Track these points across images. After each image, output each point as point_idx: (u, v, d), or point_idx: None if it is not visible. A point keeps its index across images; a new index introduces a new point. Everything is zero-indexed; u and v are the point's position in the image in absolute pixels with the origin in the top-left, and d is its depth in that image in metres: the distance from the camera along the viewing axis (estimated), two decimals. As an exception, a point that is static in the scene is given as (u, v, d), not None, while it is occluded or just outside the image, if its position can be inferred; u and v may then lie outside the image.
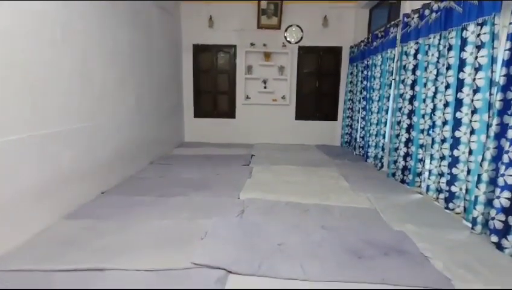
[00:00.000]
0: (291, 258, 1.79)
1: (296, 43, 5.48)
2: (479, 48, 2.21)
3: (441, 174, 2.66)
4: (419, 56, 3.15)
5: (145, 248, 1.88)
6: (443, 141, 2.64)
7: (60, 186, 2.31)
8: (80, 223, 2.23)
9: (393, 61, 3.74)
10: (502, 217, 1.91)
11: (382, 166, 3.99)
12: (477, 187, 2.08)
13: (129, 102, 3.49)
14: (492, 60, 2.11)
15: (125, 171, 3.38)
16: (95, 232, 2.08)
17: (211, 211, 2.45)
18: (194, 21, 5.42)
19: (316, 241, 1.99)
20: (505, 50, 1.93)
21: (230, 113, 5.76)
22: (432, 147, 2.85)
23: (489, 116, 2.12)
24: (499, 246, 1.91)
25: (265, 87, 5.62)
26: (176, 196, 2.78)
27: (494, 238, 1.94)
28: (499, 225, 1.92)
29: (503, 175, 1.88)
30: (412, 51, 3.23)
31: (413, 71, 3.24)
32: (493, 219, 1.94)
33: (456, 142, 2.46)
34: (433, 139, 2.84)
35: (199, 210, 2.48)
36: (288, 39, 5.47)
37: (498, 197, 1.91)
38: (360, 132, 4.82)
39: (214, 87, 5.72)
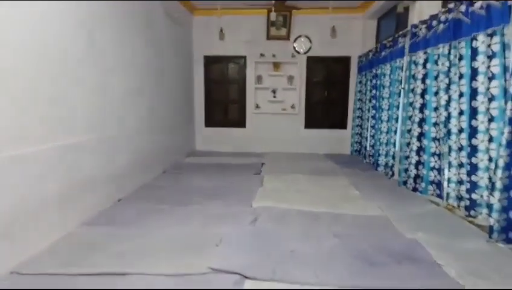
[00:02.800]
0: (304, 265, 1.83)
1: (305, 53, 5.58)
2: (490, 57, 2.24)
3: (460, 182, 2.66)
4: (428, 65, 3.19)
5: (163, 254, 1.94)
6: (460, 149, 2.65)
7: (80, 194, 2.41)
8: (99, 229, 2.31)
9: (402, 71, 3.78)
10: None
11: (393, 174, 4.00)
12: (491, 195, 2.08)
13: (143, 113, 3.62)
14: (505, 69, 2.14)
15: (140, 179, 3.48)
16: (114, 238, 2.16)
17: (224, 219, 2.50)
18: (205, 33, 5.58)
19: (328, 248, 2.02)
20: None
21: (240, 122, 5.85)
22: (449, 155, 2.84)
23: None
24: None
25: (274, 97, 5.72)
26: (190, 205, 2.84)
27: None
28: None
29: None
30: (421, 61, 3.27)
31: (423, 80, 3.27)
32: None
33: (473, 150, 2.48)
34: (450, 147, 2.84)
35: (213, 218, 2.53)
36: (297, 49, 5.58)
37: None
38: (370, 141, 4.84)
39: (224, 97, 5.84)
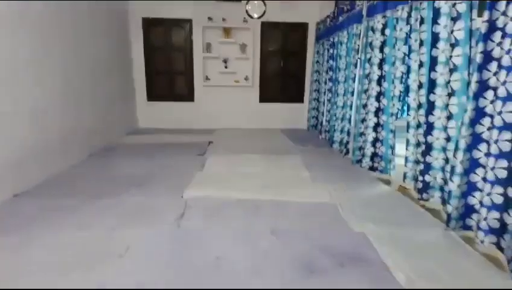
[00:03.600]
0: (229, 276, 1.45)
1: (259, 18, 4.99)
2: (454, 20, 1.90)
3: (417, 162, 2.40)
4: (386, 31, 2.83)
5: (44, 273, 1.45)
6: (418, 126, 2.37)
7: None
8: (-31, 239, 1.74)
9: (359, 38, 3.41)
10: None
11: (347, 152, 3.75)
12: (450, 180, 1.82)
13: (51, 84, 2.89)
14: (471, 34, 1.82)
15: (51, 167, 2.84)
16: (-15, 253, 1.61)
17: (143, 217, 2.04)
18: (141, -11, 4.73)
19: (262, 251, 1.66)
20: (483, 22, 1.63)
21: (188, 96, 5.24)
22: (407, 132, 2.57)
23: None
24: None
25: (226, 67, 5.14)
26: (105, 198, 2.32)
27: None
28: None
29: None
30: (379, 26, 2.90)
31: (381, 49, 2.93)
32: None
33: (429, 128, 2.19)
34: (408, 123, 2.56)
35: (129, 216, 2.05)
36: (250, 13, 4.96)
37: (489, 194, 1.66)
38: (326, 116, 4.54)
39: (169, 67, 5.13)
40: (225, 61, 5.10)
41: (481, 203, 1.70)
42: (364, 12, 3.24)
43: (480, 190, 1.75)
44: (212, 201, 2.30)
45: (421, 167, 2.30)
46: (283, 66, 5.28)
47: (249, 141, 4.39)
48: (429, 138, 2.20)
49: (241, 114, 5.37)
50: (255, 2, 4.92)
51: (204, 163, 3.27)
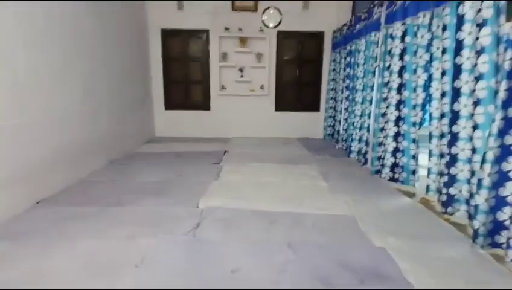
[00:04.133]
0: (244, 292, 1.41)
1: (275, 27, 5.02)
2: (480, 26, 1.82)
3: (440, 174, 2.30)
4: (407, 39, 2.76)
5: (61, 281, 1.47)
6: (442, 136, 2.27)
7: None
8: (-6, 245, 1.79)
9: (377, 46, 3.35)
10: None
11: (366, 162, 3.65)
12: (477, 193, 1.72)
13: (75, 96, 2.99)
14: (498, 40, 1.74)
15: (73, 174, 2.92)
16: (8, 258, 1.65)
17: (159, 226, 2.04)
18: (161, 2, 4.87)
19: (279, 265, 1.61)
20: None
21: (204, 105, 5.30)
22: (430, 142, 2.47)
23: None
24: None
25: (242, 76, 5.17)
26: (123, 206, 2.35)
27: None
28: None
29: None
30: (399, 33, 2.84)
31: (401, 56, 2.86)
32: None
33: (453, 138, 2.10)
34: (430, 133, 2.48)
35: (146, 224, 2.06)
36: (266, 23, 5.00)
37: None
38: (343, 124, 4.46)
39: (186, 76, 5.22)
40: (241, 70, 5.14)
41: (511, 219, 1.60)
42: (382, 20, 3.19)
43: (511, 205, 1.65)
44: (228, 211, 2.28)
45: (445, 179, 2.19)
46: (299, 75, 5.27)
47: (265, 150, 4.36)
48: (453, 149, 2.10)
49: (256, 123, 5.37)
50: (271, 11, 4.96)
51: (220, 172, 3.26)
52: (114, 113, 3.82)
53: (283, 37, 5.08)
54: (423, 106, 2.60)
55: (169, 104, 5.31)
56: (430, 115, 2.38)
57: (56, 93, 2.72)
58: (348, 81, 4.22)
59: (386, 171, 3.09)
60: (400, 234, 1.95)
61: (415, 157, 2.78)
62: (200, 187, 2.75)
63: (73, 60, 2.97)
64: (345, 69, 4.34)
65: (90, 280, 1.49)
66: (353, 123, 3.99)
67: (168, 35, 5.04)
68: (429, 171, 2.44)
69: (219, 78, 5.18)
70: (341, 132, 4.57)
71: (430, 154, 2.42)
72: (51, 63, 2.64)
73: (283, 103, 5.35)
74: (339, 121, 4.65)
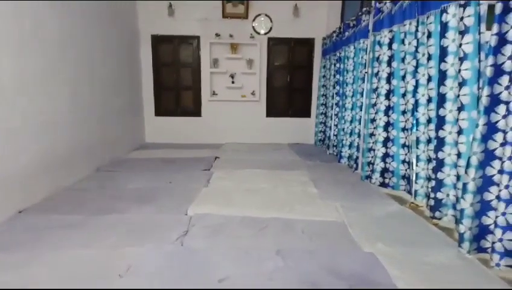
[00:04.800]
0: (231, 302, 1.38)
1: (266, 34, 5.05)
2: (462, 33, 1.86)
3: (428, 179, 2.32)
4: (394, 46, 2.81)
5: (41, 294, 1.42)
6: (428, 141, 2.30)
7: None
8: (-29, 256, 1.72)
9: (366, 53, 3.39)
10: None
11: (357, 168, 3.67)
12: (462, 198, 1.74)
13: (60, 100, 2.94)
14: (479, 47, 1.78)
15: (58, 182, 2.85)
16: (-12, 269, 1.59)
17: (146, 234, 2.00)
18: (151, 9, 4.87)
19: (267, 273, 1.59)
20: (492, 35, 1.60)
21: (195, 111, 5.28)
22: (417, 147, 2.51)
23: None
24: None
25: (233, 82, 5.18)
26: (109, 214, 2.30)
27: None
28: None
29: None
30: (386, 40, 2.89)
31: (388, 63, 2.90)
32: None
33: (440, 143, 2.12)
34: (417, 138, 2.51)
35: (132, 233, 2.02)
36: (256, 30, 5.04)
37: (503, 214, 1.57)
38: (334, 130, 4.49)
39: (176, 82, 5.21)
40: (232, 76, 5.15)
41: (495, 223, 1.61)
42: (370, 27, 3.24)
43: (495, 209, 1.66)
44: (217, 218, 2.25)
45: (433, 183, 2.22)
46: (290, 81, 5.30)
47: (256, 156, 4.35)
48: (440, 154, 2.13)
49: (248, 129, 5.37)
50: (262, 18, 5.00)
51: (210, 178, 3.23)
52: (103, 120, 3.77)
53: (274, 43, 5.12)
54: (413, 111, 2.63)
55: (160, 110, 5.27)
56: (417, 120, 2.41)
57: (41, 99, 2.67)
58: (338, 87, 4.26)
59: (376, 176, 3.11)
60: (389, 239, 1.95)
61: (404, 162, 2.81)
62: (190, 194, 2.72)
63: (60, 66, 2.92)
64: (334, 76, 4.38)
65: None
66: (343, 129, 4.01)
67: (159, 42, 5.03)
68: (417, 176, 2.46)
69: (210, 84, 5.17)
70: (332, 137, 4.59)
71: (418, 159, 2.44)
72: (37, 69, 2.60)
73: (274, 109, 5.36)
74: (330, 127, 4.68)
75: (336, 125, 4.36)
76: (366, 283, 1.52)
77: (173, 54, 5.10)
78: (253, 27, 5.02)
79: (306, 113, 5.41)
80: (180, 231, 2.04)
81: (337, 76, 4.25)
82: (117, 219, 2.22)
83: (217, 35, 4.97)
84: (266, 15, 4.99)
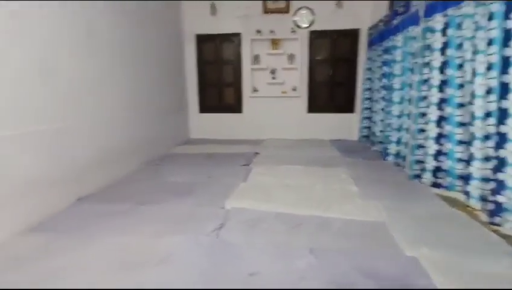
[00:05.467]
0: (260, 297, 1.39)
1: (307, 27, 4.92)
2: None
3: (486, 180, 2.07)
4: (449, 31, 2.54)
5: (88, 275, 1.56)
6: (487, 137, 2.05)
7: (18, 196, 2.06)
8: (39, 237, 1.97)
9: (416, 41, 3.12)
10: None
11: (404, 166, 3.41)
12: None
13: (114, 100, 3.21)
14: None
15: (111, 173, 3.12)
16: (49, 250, 1.81)
17: (184, 225, 2.10)
18: (195, 9, 5.05)
19: (299, 271, 1.56)
20: None
21: (236, 108, 5.37)
22: (472, 145, 2.25)
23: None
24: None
25: (274, 78, 5.15)
26: (152, 204, 2.46)
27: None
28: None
29: None
30: (439, 26, 2.62)
31: (442, 51, 2.63)
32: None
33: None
34: (473, 134, 2.25)
35: (172, 223, 2.13)
36: (298, 24, 4.93)
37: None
38: (379, 126, 4.23)
39: (219, 80, 5.34)
40: (273, 72, 5.13)
41: None
42: (421, 13, 2.97)
43: None
44: (253, 213, 2.27)
45: (492, 185, 1.96)
46: (332, 75, 5.11)
47: (296, 152, 4.29)
48: (502, 152, 1.87)
49: (288, 125, 5.31)
50: (303, 12, 4.88)
51: (249, 174, 3.27)
52: (150, 117, 4.03)
53: (316, 36, 4.97)
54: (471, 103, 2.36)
55: (204, 107, 5.46)
56: (473, 114, 2.15)
57: (96, 99, 2.94)
58: (384, 80, 4.00)
59: (427, 175, 2.86)
60: (437, 244, 1.78)
61: (461, 160, 2.53)
62: (228, 188, 2.78)
63: (113, 68, 3.19)
64: (381, 67, 4.12)
65: (115, 273, 1.56)
66: (390, 124, 3.76)
67: (202, 40, 5.20)
68: (471, 176, 2.20)
69: (251, 81, 5.21)
70: (377, 133, 4.33)
71: (472, 158, 2.18)
72: (96, 71, 2.87)
73: (316, 104, 5.22)
74: (375, 122, 4.42)
75: (382, 121, 4.10)
76: (403, 287, 1.41)
77: (216, 52, 5.24)
78: (294, 21, 4.93)
79: (349, 108, 5.18)
80: (216, 224, 2.10)
81: (384, 68, 3.98)
82: (159, 210, 2.36)
83: (258, 31, 4.98)
84: (308, 8, 4.86)
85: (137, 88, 3.68)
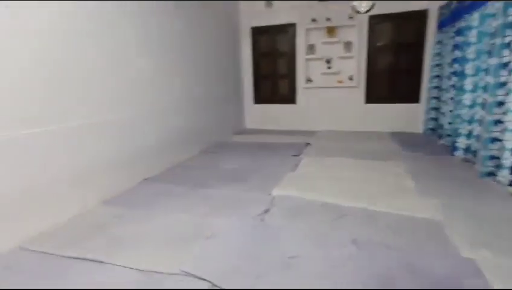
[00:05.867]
0: (297, 277, 1.44)
1: (366, 12, 4.62)
2: None
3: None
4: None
5: (151, 244, 1.80)
6: None
7: (97, 173, 2.45)
8: (112, 209, 2.32)
9: (496, 18, 2.72)
10: None
11: (475, 162, 3.05)
12: None
13: (175, 92, 3.52)
14: None
15: (172, 158, 3.46)
16: (120, 220, 2.13)
17: (233, 208, 2.24)
18: (251, 3, 5.15)
19: (337, 259, 1.56)
20: None
21: (290, 98, 5.36)
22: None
23: None
24: None
25: (329, 68, 5.00)
26: (207, 188, 2.67)
27: None
28: None
29: None
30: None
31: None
32: None
33: None
34: None
35: (222, 205, 2.29)
36: (356, 9, 4.66)
37: None
38: (449, 117, 3.81)
39: (273, 71, 5.40)
40: (328, 61, 4.98)
41: None
42: (502, -14, 2.57)
43: None
44: (298, 201, 2.31)
45: None
46: (394, 62, 4.74)
47: (349, 144, 4.14)
48: None
49: (344, 116, 5.12)
50: (363, -5, 4.59)
51: (298, 164, 3.29)
52: (208, 108, 4.30)
53: (376, 21, 4.66)
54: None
55: (259, 98, 5.59)
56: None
57: (161, 91, 3.26)
58: (456, 65, 3.57)
59: (504, 173, 2.52)
60: (502, 247, 1.60)
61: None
62: (276, 177, 2.86)
63: (176, 63, 3.49)
64: (452, 52, 3.68)
65: (168, 246, 1.77)
66: (460, 115, 3.37)
67: (258, 33, 5.30)
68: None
69: (305, 71, 5.15)
70: (445, 125, 3.91)
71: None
72: (157, 66, 3.18)
73: (374, 94, 4.92)
74: (444, 113, 3.99)
75: (451, 111, 3.69)
76: (453, 288, 1.31)
77: (271, 44, 5.29)
78: (352, 6, 4.67)
79: (413, 98, 4.75)
80: (262, 209, 2.20)
81: (456, 52, 3.56)
82: (211, 193, 2.56)
83: (313, 20, 4.86)
84: (368, -9, 4.55)
85: (196, 81, 3.96)
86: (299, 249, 1.68)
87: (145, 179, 2.98)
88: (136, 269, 1.54)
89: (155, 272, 1.51)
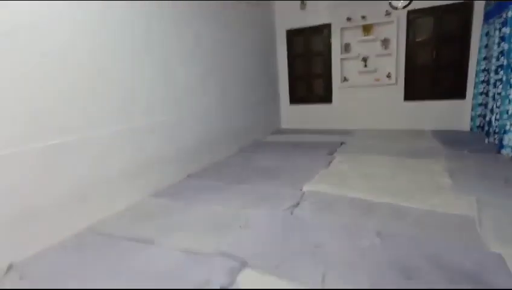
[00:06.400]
0: (319, 264, 1.56)
1: (404, 7, 4.51)
2: None
3: None
4: None
5: (193, 230, 2.05)
6: None
7: (148, 169, 2.79)
8: (160, 201, 2.64)
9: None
10: None
11: (523, 160, 2.86)
12: None
13: (213, 95, 3.80)
14: None
15: (212, 157, 3.74)
16: (166, 209, 2.43)
17: (266, 201, 2.42)
18: (286, 6, 5.30)
19: (361, 249, 1.66)
20: None
21: (326, 98, 5.40)
22: None
23: None
24: None
25: (365, 66, 4.95)
26: (242, 184, 2.88)
27: None
28: None
29: None
30: None
31: None
32: None
33: None
34: None
35: (255, 199, 2.48)
36: (393, 5, 4.57)
37: None
38: (496, 113, 3.58)
39: (308, 71, 5.48)
40: (364, 60, 4.93)
41: None
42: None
43: None
44: (327, 196, 2.42)
45: None
46: (436, 58, 4.54)
47: (386, 143, 4.08)
48: None
49: (382, 114, 5.03)
50: (401, -9, 4.49)
51: (331, 162, 3.36)
52: (246, 109, 4.54)
53: (415, 16, 4.52)
54: None
55: (294, 99, 5.71)
56: None
57: (200, 95, 3.56)
58: (502, 58, 3.37)
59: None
60: (537, 245, 1.56)
61: None
62: (308, 174, 2.97)
63: (213, 68, 3.78)
64: (499, 44, 3.47)
65: (207, 232, 2.00)
66: (507, 111, 3.17)
67: (293, 35, 5.43)
68: None
69: (341, 70, 5.15)
70: (493, 122, 3.68)
71: None
72: (197, 72, 3.49)
73: (414, 91, 4.76)
74: (491, 109, 3.76)
75: (498, 107, 3.47)
76: (475, 282, 1.34)
77: (305, 45, 5.38)
78: (389, 3, 4.59)
79: (459, 94, 4.51)
80: (292, 203, 2.34)
81: (502, 44, 3.35)
82: (246, 188, 2.76)
83: (348, 19, 4.86)
84: (406, -14, 4.44)
85: (235, 83, 4.23)
86: (324, 239, 1.80)
87: (188, 176, 3.29)
88: (180, 251, 1.79)
89: (196, 253, 1.75)
